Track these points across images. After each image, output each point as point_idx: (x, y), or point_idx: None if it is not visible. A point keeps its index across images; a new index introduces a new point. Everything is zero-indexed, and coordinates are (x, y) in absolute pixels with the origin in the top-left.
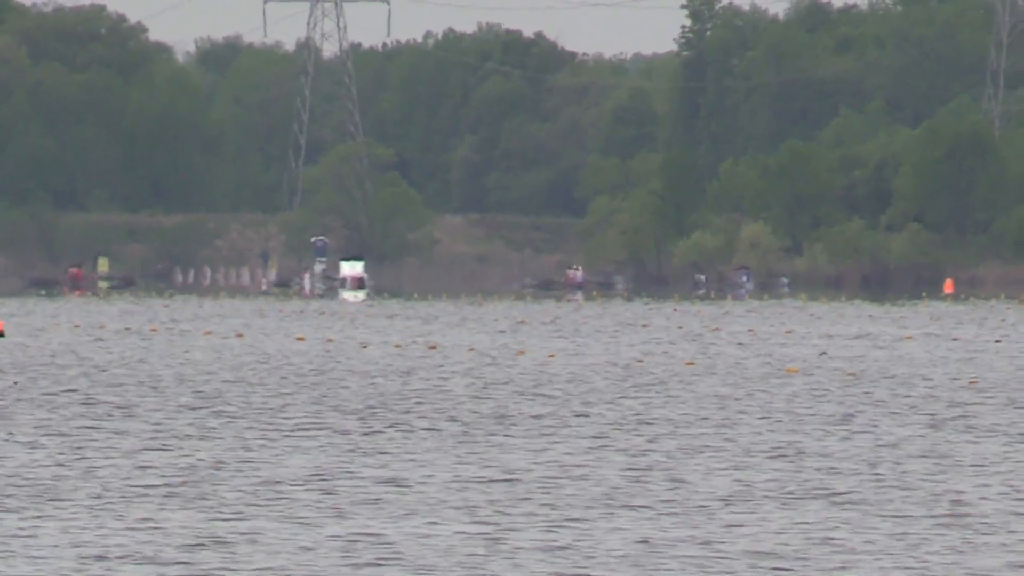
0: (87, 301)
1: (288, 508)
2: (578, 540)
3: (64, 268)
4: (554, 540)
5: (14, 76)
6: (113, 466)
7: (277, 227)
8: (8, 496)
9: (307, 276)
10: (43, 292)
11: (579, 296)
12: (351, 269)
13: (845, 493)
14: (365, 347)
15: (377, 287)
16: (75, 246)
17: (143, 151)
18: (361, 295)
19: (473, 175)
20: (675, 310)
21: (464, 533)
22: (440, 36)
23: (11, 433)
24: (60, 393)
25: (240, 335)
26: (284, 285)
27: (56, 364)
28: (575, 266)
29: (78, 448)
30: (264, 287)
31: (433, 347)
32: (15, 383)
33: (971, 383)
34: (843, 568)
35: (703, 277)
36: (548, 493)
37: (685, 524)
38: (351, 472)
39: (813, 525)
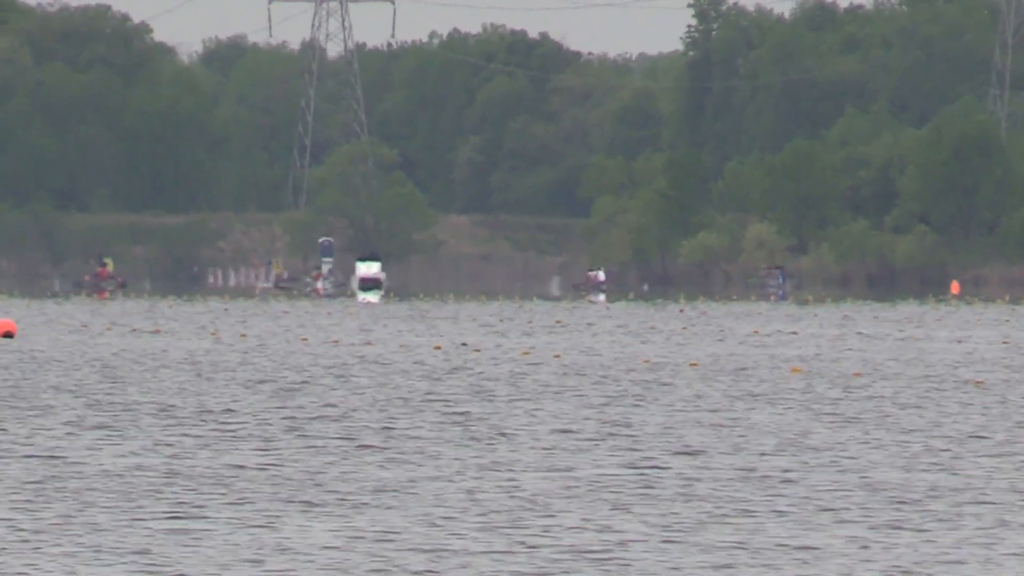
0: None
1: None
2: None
3: (74, 268)
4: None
5: (16, 76)
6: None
7: (281, 227)
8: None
9: (320, 277)
10: (49, 294)
11: (601, 297)
12: (367, 269)
13: None
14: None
15: (389, 287)
16: (77, 247)
17: (145, 151)
18: (376, 295)
19: (477, 175)
20: (681, 310)
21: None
22: (445, 36)
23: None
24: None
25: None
26: (291, 285)
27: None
28: (597, 266)
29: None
30: (257, 289)
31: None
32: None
33: (977, 384)
34: None
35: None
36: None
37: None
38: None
39: None
